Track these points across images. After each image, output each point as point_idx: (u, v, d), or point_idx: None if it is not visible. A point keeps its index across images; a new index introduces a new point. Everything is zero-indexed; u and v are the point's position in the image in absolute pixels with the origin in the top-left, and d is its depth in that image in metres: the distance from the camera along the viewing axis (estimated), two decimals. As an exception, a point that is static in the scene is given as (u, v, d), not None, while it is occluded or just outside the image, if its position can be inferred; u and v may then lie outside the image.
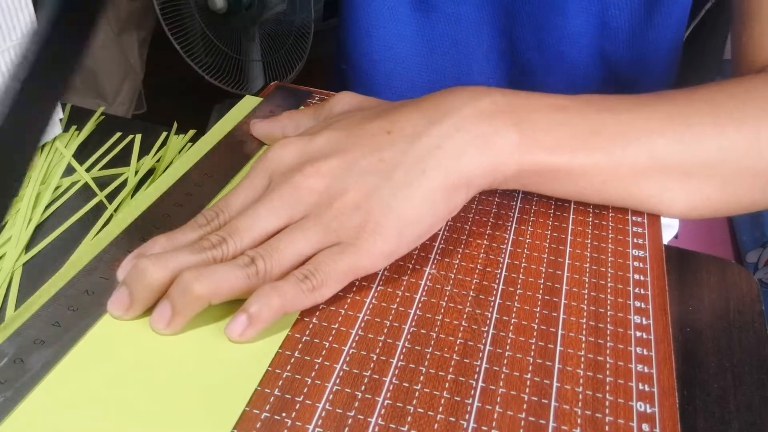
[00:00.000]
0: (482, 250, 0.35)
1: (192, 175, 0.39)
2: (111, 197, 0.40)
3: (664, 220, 0.38)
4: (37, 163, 0.43)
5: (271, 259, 0.30)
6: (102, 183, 0.41)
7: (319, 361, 0.29)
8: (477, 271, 0.34)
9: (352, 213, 0.32)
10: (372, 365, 0.29)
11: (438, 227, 0.34)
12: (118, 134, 0.46)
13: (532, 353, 0.30)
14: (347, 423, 0.26)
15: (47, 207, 0.39)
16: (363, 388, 0.28)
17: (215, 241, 0.31)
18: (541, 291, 0.33)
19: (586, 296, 0.33)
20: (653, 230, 0.37)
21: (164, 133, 0.46)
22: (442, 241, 0.36)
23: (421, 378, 0.28)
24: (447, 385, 0.28)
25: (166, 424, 0.26)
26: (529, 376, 0.29)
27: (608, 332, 0.31)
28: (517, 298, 0.33)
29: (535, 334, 0.31)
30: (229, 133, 0.43)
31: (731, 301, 0.38)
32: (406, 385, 0.28)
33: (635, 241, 0.37)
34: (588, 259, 0.35)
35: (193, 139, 0.46)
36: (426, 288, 0.33)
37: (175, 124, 0.47)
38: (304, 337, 0.30)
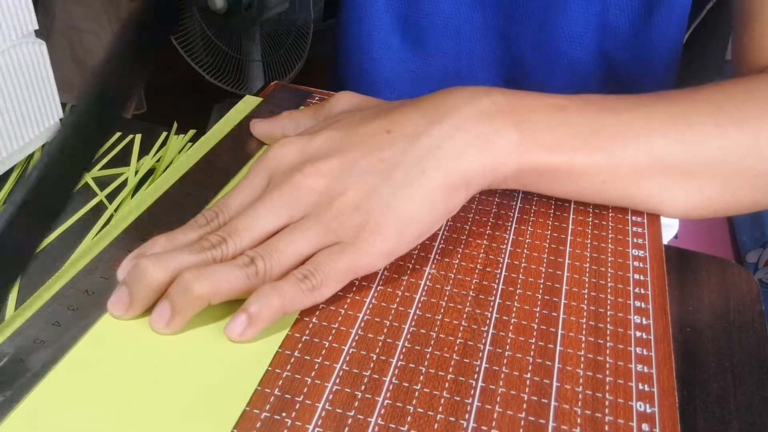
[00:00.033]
0: (482, 250, 0.35)
1: (192, 175, 0.39)
2: (111, 197, 0.40)
3: (663, 220, 0.38)
4: (37, 162, 0.43)
5: (270, 258, 0.30)
6: (102, 183, 0.41)
7: (319, 360, 0.29)
8: (477, 270, 0.34)
9: (352, 213, 0.32)
10: (372, 365, 0.29)
11: (437, 227, 0.34)
12: (118, 134, 0.46)
13: (532, 353, 0.30)
14: (347, 423, 0.26)
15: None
16: (363, 387, 0.28)
17: (215, 241, 0.31)
18: (541, 291, 0.33)
19: (586, 296, 0.33)
20: (653, 230, 0.37)
21: (164, 133, 0.46)
22: (442, 241, 0.36)
23: (421, 378, 0.28)
24: (447, 384, 0.28)
25: (166, 424, 0.26)
26: (528, 375, 0.29)
27: (608, 332, 0.31)
28: (517, 297, 0.33)
29: (535, 333, 0.31)
30: (229, 133, 0.43)
31: (731, 301, 0.38)
32: (406, 384, 0.28)
33: (635, 241, 0.37)
34: (588, 259, 0.35)
35: (193, 139, 0.46)
36: (426, 288, 0.33)
37: (175, 124, 0.47)
38: (304, 337, 0.30)
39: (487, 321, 0.31)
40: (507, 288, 0.33)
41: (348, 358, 0.29)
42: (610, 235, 0.37)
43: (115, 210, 0.39)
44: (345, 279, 0.31)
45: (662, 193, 0.37)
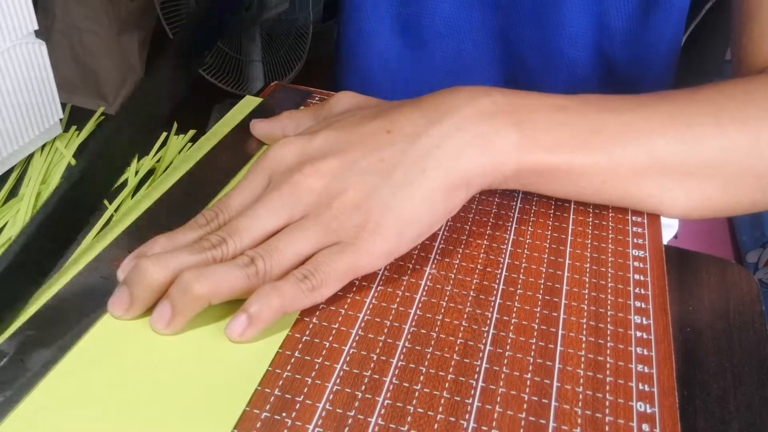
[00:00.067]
0: (482, 250, 0.35)
1: (192, 175, 0.39)
2: (111, 197, 0.40)
3: (663, 220, 0.38)
4: (37, 163, 0.43)
5: (270, 258, 0.30)
6: (102, 183, 0.41)
7: (319, 361, 0.29)
8: (477, 271, 0.34)
9: (352, 213, 0.32)
10: (372, 365, 0.29)
11: (437, 227, 0.34)
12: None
13: (532, 353, 0.30)
14: (347, 423, 0.26)
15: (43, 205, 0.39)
16: (363, 388, 0.28)
17: (215, 241, 0.31)
18: (541, 291, 0.33)
19: (586, 296, 0.33)
20: (653, 230, 0.37)
21: (164, 133, 0.46)
22: (442, 241, 0.36)
23: (421, 378, 0.28)
24: (447, 385, 0.28)
25: (166, 424, 0.26)
26: (529, 375, 0.29)
27: (608, 332, 0.31)
28: (517, 298, 0.33)
29: (535, 334, 0.31)
30: (229, 133, 0.43)
31: (731, 301, 0.38)
32: (406, 385, 0.28)
33: (635, 241, 0.37)
34: (588, 259, 0.35)
35: (193, 139, 0.46)
36: (426, 288, 0.33)
37: (175, 124, 0.47)
38: (304, 337, 0.30)
39: (488, 321, 0.31)
40: (507, 288, 0.33)
41: (348, 358, 0.29)
42: (610, 235, 0.37)
43: (115, 210, 0.39)
44: (345, 279, 0.31)
45: (662, 193, 0.37)
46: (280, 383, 0.28)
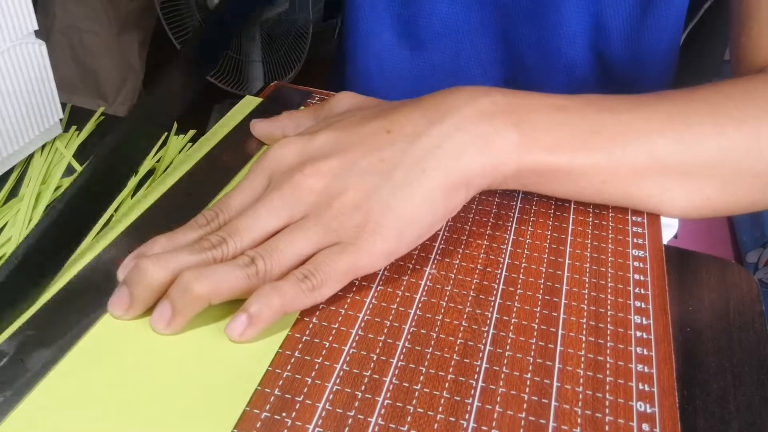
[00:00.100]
0: (482, 250, 0.35)
1: (192, 175, 0.39)
2: (111, 197, 0.40)
3: (663, 220, 0.38)
4: (37, 163, 0.43)
5: (271, 259, 0.30)
6: (102, 183, 0.41)
7: (319, 360, 0.29)
8: (477, 271, 0.34)
9: (352, 213, 0.32)
10: (372, 365, 0.29)
11: (438, 227, 0.34)
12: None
13: (532, 353, 0.30)
14: (347, 423, 0.26)
15: (47, 207, 0.39)
16: (363, 388, 0.28)
17: (215, 241, 0.31)
18: (541, 291, 0.33)
19: (586, 296, 0.33)
20: (653, 230, 0.37)
21: (164, 133, 0.46)
22: (442, 241, 0.36)
23: (421, 378, 0.28)
24: (447, 385, 0.28)
25: (166, 424, 0.26)
26: (529, 375, 0.29)
27: (608, 332, 0.31)
28: (517, 298, 0.33)
29: (535, 333, 0.31)
30: (229, 133, 0.43)
31: (731, 301, 0.38)
32: (406, 385, 0.28)
33: (635, 241, 0.37)
34: (588, 259, 0.35)
35: (193, 139, 0.46)
36: (426, 288, 0.33)
37: (175, 124, 0.47)
38: (304, 337, 0.30)
39: (488, 321, 0.31)
40: (507, 288, 0.33)
41: (348, 358, 0.29)
42: (610, 235, 0.37)
43: (115, 210, 0.39)
44: (345, 279, 0.31)
45: (662, 193, 0.37)
46: (280, 383, 0.28)
